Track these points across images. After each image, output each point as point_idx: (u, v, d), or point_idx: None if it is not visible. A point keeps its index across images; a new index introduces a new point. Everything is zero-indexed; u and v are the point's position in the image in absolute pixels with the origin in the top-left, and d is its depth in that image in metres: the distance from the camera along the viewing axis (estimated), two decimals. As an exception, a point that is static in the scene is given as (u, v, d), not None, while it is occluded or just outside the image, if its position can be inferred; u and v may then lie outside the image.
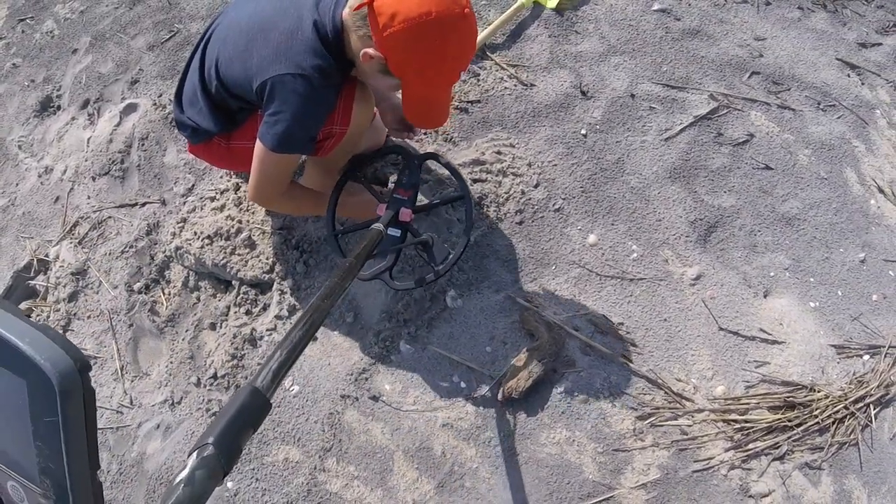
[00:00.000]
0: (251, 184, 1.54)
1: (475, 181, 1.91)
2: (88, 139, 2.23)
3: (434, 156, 1.59)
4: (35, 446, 0.40)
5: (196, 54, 1.56)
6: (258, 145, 1.45)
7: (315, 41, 1.35)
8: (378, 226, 1.37)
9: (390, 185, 1.84)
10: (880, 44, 2.40)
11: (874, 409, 1.68)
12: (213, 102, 1.54)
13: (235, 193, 1.94)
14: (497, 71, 2.13)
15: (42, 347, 0.38)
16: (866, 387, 1.69)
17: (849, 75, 2.29)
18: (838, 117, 2.18)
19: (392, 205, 1.50)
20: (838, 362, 1.75)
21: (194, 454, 0.57)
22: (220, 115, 1.54)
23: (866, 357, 1.76)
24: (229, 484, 1.65)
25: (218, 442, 0.57)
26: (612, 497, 1.56)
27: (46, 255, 2.07)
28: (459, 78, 1.39)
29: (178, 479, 0.55)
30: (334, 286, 0.96)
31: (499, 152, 1.96)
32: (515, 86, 2.11)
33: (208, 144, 1.62)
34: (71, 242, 2.05)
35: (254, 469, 1.65)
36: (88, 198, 2.12)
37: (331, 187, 1.66)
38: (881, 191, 2.05)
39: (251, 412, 0.63)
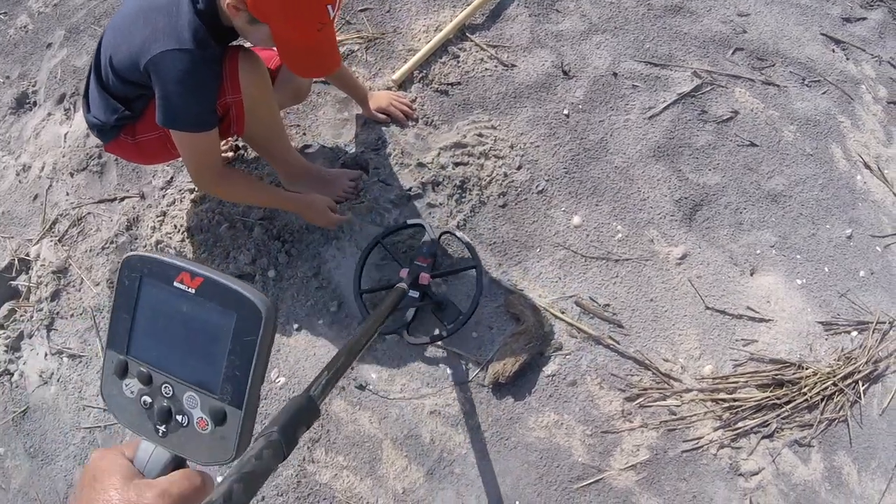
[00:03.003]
0: (188, 171, 1.56)
1: (457, 164, 1.89)
2: (66, 135, 2.19)
3: (450, 232, 1.79)
4: (227, 359, 0.54)
5: (95, 52, 1.56)
6: (172, 133, 1.45)
7: (189, 13, 1.36)
8: (402, 285, 1.54)
9: (366, 179, 1.88)
10: (865, 18, 2.38)
11: (863, 385, 1.67)
12: (111, 94, 1.53)
13: (215, 185, 1.91)
14: (477, 52, 2.10)
15: (251, 290, 0.54)
16: (854, 363, 1.69)
17: (833, 50, 2.27)
18: (823, 93, 2.16)
19: (413, 270, 1.67)
20: (826, 339, 1.74)
21: (261, 438, 0.70)
22: (118, 105, 1.53)
23: (854, 333, 1.75)
24: (219, 478, 1.63)
25: (282, 430, 0.71)
26: (601, 479, 1.56)
27: (27, 255, 2.04)
28: (329, 18, 1.37)
29: (248, 455, 0.66)
30: (368, 328, 1.19)
31: (480, 135, 1.94)
32: (496, 67, 2.08)
33: (118, 142, 1.61)
34: (51, 240, 2.03)
35: (241, 462, 1.64)
36: (67, 194, 2.09)
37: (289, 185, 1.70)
38: (867, 166, 2.04)
39: (306, 413, 0.78)
